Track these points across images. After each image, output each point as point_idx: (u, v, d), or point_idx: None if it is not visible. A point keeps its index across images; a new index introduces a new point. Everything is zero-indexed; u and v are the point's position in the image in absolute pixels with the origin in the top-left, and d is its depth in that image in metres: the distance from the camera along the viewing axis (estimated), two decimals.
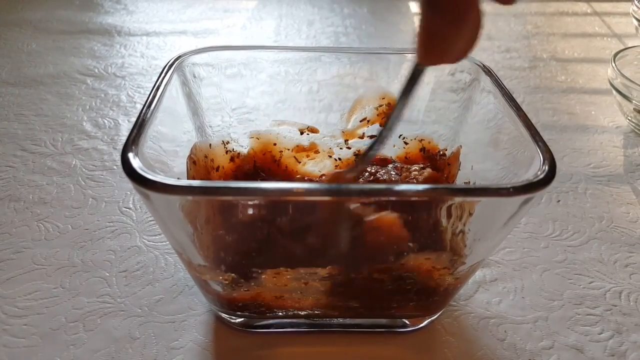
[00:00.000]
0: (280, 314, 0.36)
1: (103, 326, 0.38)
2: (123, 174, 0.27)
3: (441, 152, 0.44)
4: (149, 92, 0.34)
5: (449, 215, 0.37)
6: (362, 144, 0.46)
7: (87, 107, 0.64)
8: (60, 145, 0.57)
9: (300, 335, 0.38)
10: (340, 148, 0.46)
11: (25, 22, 0.86)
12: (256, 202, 0.30)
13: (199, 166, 0.40)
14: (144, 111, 0.32)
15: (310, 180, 0.44)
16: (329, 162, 0.46)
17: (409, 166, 0.43)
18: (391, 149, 0.45)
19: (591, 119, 0.66)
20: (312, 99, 0.45)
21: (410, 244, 0.33)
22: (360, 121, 0.45)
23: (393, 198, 0.28)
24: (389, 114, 0.30)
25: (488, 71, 0.39)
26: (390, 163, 0.44)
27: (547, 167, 0.28)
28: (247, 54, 0.42)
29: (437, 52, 0.25)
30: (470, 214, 0.34)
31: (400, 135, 0.45)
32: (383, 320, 0.38)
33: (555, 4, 1.03)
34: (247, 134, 0.44)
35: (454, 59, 0.26)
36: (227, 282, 0.33)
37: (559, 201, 0.51)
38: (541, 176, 0.28)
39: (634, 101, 0.59)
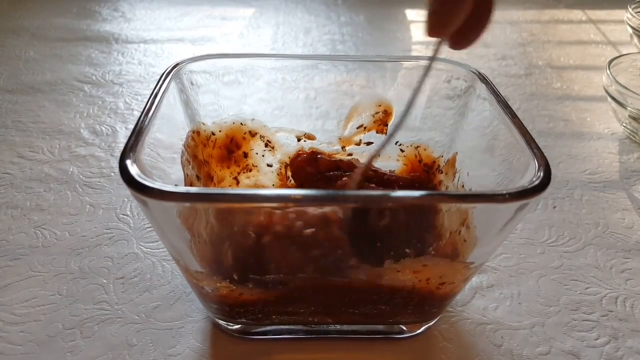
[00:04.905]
0: (277, 320, 0.36)
1: (100, 333, 0.38)
2: (120, 181, 0.27)
3: (437, 163, 0.44)
4: (146, 100, 0.34)
5: (446, 222, 0.37)
6: (359, 150, 0.46)
7: (85, 114, 0.64)
8: (57, 152, 0.57)
9: (297, 342, 0.38)
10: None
11: (23, 29, 0.87)
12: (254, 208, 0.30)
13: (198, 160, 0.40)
14: (141, 118, 0.32)
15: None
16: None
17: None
18: (393, 162, 0.46)
19: (586, 126, 0.66)
20: (309, 106, 0.45)
21: (407, 250, 0.33)
22: (357, 128, 0.45)
23: (389, 204, 0.28)
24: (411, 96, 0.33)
25: (484, 78, 0.39)
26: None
27: (542, 174, 0.28)
28: (245, 61, 0.42)
29: (437, 24, 0.30)
30: (467, 220, 0.34)
31: (397, 142, 0.45)
32: (380, 327, 0.38)
33: (550, 11, 1.04)
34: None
35: (464, 37, 0.31)
36: (224, 288, 0.33)
37: (554, 207, 0.52)
38: (536, 182, 0.28)
39: (628, 108, 0.59)
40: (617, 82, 0.60)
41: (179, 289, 0.41)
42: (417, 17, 1.00)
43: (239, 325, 0.37)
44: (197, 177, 0.40)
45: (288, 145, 0.46)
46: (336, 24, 0.94)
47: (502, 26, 0.95)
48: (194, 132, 0.41)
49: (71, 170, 0.54)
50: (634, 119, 0.60)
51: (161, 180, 0.27)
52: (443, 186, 0.43)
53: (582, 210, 0.51)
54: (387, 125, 0.45)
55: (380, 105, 0.44)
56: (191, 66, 0.40)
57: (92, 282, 0.42)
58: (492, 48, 0.87)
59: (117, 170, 0.28)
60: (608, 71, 0.62)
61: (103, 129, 0.62)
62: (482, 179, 0.38)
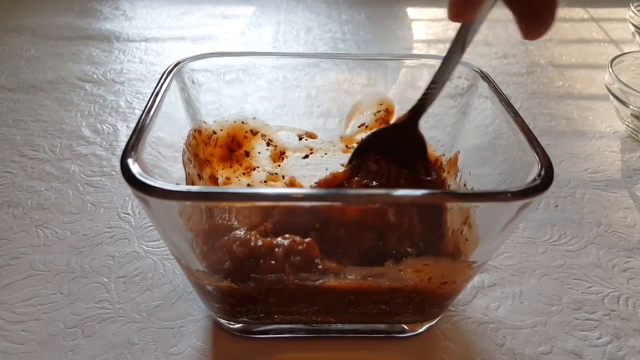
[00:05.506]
0: (279, 319, 0.36)
1: (102, 332, 0.38)
2: (122, 180, 0.27)
3: (439, 162, 0.44)
4: (147, 98, 0.34)
5: (448, 221, 0.37)
6: None
7: (86, 112, 0.64)
8: (58, 151, 0.57)
9: (298, 341, 0.38)
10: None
11: (24, 28, 0.87)
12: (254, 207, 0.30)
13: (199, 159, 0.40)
14: (143, 117, 0.32)
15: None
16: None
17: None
18: None
19: (588, 124, 0.66)
20: (310, 105, 0.45)
21: (409, 249, 0.33)
22: (359, 127, 0.45)
23: (391, 203, 0.28)
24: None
25: (485, 77, 0.39)
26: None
27: (544, 173, 0.28)
28: (246, 60, 0.42)
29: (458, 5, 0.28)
30: (469, 219, 0.34)
31: None
32: (382, 326, 0.38)
33: None
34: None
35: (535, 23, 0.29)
36: (225, 287, 0.33)
37: (557, 206, 0.51)
38: (539, 181, 0.28)
39: (631, 106, 0.59)
40: (620, 81, 0.60)
41: (180, 287, 0.41)
42: (418, 15, 0.99)
43: (241, 324, 0.37)
44: (199, 176, 0.40)
45: (289, 144, 0.45)
46: (337, 22, 0.94)
47: (503, 24, 0.94)
48: (195, 130, 0.41)
49: (72, 169, 0.54)
50: (636, 117, 0.60)
51: (162, 179, 0.27)
52: (445, 185, 0.42)
53: (584, 209, 0.51)
54: (388, 123, 0.44)
55: (381, 104, 0.44)
56: (192, 65, 0.40)
57: (93, 281, 0.42)
58: (493, 46, 0.87)
59: (118, 169, 0.28)
60: (610, 69, 0.62)
61: (104, 127, 0.62)
62: (484, 177, 0.38)
